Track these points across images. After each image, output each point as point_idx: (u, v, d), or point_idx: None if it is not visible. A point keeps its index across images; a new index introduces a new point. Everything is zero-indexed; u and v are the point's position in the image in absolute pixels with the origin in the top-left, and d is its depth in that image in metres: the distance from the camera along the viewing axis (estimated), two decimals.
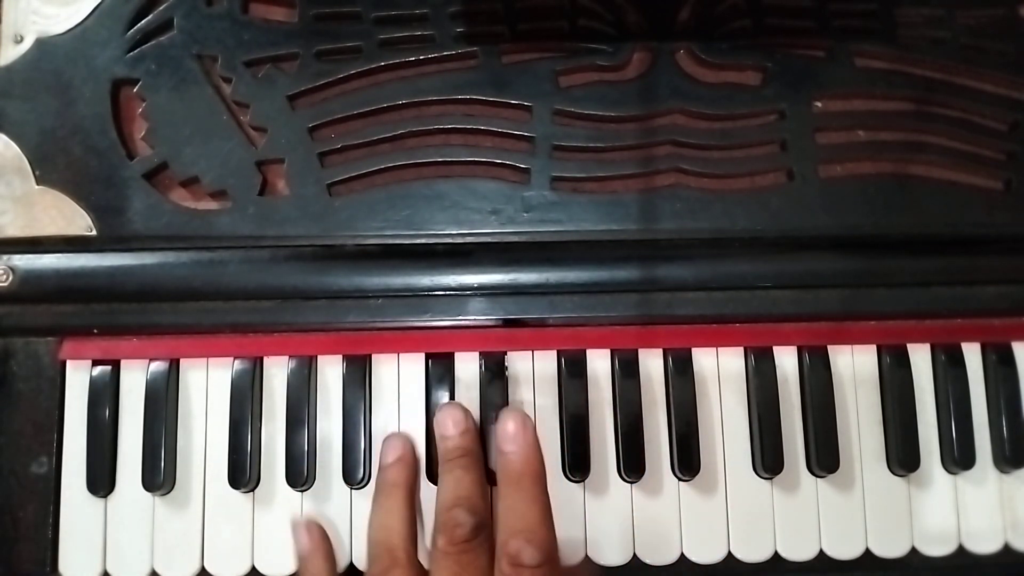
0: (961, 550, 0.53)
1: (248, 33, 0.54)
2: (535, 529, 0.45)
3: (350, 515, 0.52)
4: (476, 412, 0.52)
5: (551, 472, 0.52)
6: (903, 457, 0.53)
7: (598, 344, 0.53)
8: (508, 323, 0.53)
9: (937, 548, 0.53)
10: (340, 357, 0.53)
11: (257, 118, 0.53)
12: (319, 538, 0.50)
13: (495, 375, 0.53)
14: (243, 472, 0.51)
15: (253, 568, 0.52)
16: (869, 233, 0.54)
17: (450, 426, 0.50)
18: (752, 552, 0.52)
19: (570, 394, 0.52)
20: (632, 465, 0.52)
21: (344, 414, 0.52)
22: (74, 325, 0.53)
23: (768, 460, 0.52)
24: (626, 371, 0.53)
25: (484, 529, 0.46)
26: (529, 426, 0.49)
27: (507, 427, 0.49)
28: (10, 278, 0.52)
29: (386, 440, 0.52)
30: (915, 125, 0.55)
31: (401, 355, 0.53)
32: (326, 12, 0.54)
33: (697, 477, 0.52)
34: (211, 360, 0.53)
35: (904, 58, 0.55)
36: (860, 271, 0.54)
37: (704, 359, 0.54)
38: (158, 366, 0.52)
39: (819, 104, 0.55)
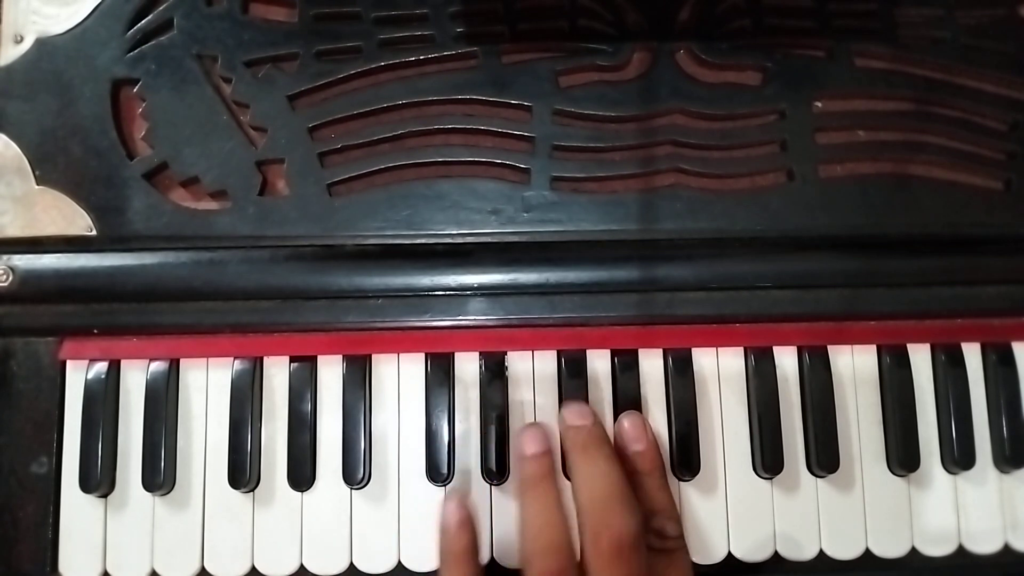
0: (961, 550, 0.53)
1: (248, 33, 0.54)
2: (672, 507, 0.49)
3: (350, 515, 0.52)
4: (476, 412, 0.52)
5: None
6: (903, 457, 0.53)
7: (598, 344, 0.53)
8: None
9: (937, 548, 0.53)
10: (340, 357, 0.53)
11: (257, 118, 0.54)
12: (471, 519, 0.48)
13: (495, 375, 0.53)
14: (243, 472, 0.51)
15: (253, 568, 0.52)
16: (869, 233, 0.54)
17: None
18: (752, 552, 0.52)
19: (570, 394, 0.52)
20: None
21: (344, 414, 0.52)
22: (74, 325, 0.53)
23: (768, 460, 0.52)
24: (626, 371, 0.53)
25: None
26: (649, 425, 0.51)
27: (632, 429, 0.50)
28: (10, 278, 0.52)
29: (526, 431, 0.49)
30: (915, 125, 0.55)
31: (401, 355, 0.53)
32: (326, 12, 0.54)
33: (697, 477, 0.52)
34: (211, 360, 0.53)
35: (904, 58, 0.55)
36: (860, 271, 0.54)
37: (704, 359, 0.54)
38: (158, 366, 0.52)
39: (819, 104, 0.55)
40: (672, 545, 0.47)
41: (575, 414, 0.49)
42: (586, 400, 0.52)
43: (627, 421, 0.51)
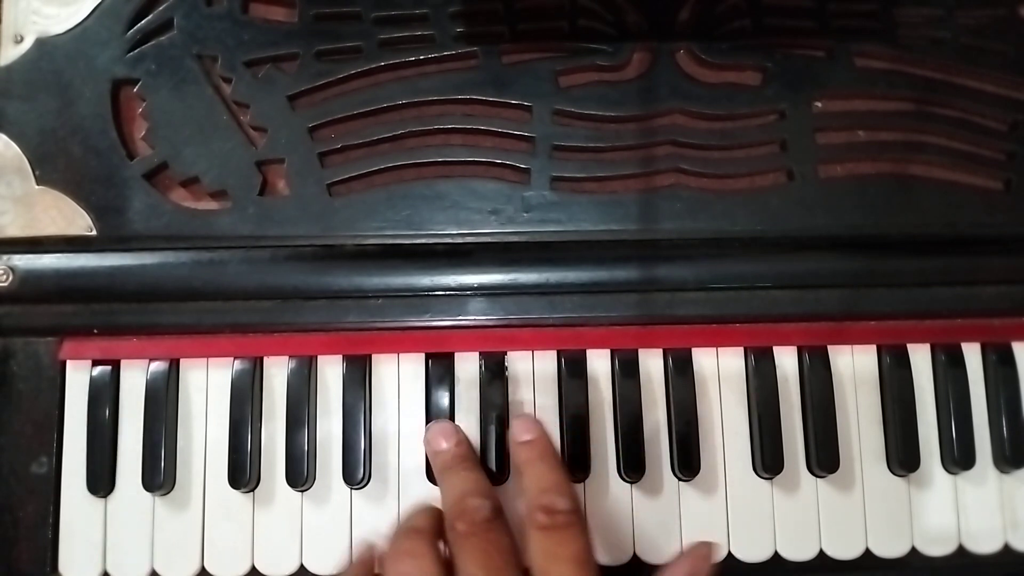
0: (961, 550, 0.53)
1: (248, 33, 0.54)
2: (563, 484, 0.48)
3: (350, 515, 0.52)
4: (476, 412, 0.52)
5: None
6: (903, 457, 0.53)
7: (598, 344, 0.53)
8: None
9: (937, 548, 0.53)
10: (340, 357, 0.53)
11: (257, 118, 0.54)
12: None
13: (495, 375, 0.53)
14: (243, 472, 0.51)
15: (253, 568, 0.52)
16: (869, 233, 0.54)
17: (442, 441, 0.50)
18: (752, 552, 0.52)
19: (570, 394, 0.52)
20: (632, 465, 0.52)
21: (344, 414, 0.52)
22: (74, 325, 0.53)
23: (768, 460, 0.52)
24: (626, 371, 0.53)
25: (501, 514, 0.47)
26: (540, 423, 0.51)
27: (521, 424, 0.51)
28: (10, 278, 0.52)
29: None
30: (915, 125, 0.55)
31: (401, 355, 0.53)
32: (326, 12, 0.54)
33: (697, 477, 0.52)
34: (211, 360, 0.53)
35: (904, 58, 0.55)
36: (860, 271, 0.54)
37: (704, 359, 0.54)
38: (158, 366, 0.52)
39: (819, 104, 0.55)
40: (563, 520, 0.46)
41: (437, 435, 0.51)
42: (586, 400, 0.52)
43: (517, 419, 0.51)
